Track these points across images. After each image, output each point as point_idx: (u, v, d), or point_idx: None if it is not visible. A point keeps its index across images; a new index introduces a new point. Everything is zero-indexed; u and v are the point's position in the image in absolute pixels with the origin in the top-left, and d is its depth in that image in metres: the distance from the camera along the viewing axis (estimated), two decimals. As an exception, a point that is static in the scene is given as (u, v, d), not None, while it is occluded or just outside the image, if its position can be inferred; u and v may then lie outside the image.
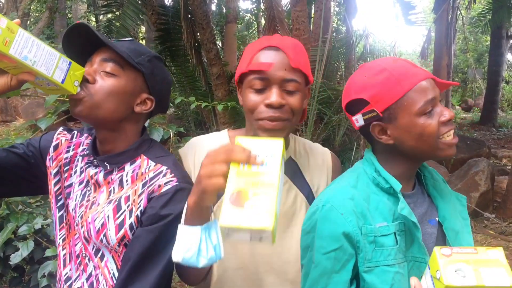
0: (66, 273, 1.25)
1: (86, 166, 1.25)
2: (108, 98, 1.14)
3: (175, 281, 3.39)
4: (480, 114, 14.53)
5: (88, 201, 1.21)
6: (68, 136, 1.34)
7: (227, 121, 5.80)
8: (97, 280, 1.18)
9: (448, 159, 7.21)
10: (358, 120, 1.12)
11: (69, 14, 14.82)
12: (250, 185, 0.80)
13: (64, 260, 1.26)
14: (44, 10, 12.34)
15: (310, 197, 1.31)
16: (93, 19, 15.75)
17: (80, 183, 1.25)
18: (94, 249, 1.19)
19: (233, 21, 11.78)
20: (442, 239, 1.15)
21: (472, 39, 20.29)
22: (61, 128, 1.37)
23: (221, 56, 6.92)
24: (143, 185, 1.16)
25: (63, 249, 1.27)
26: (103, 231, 1.14)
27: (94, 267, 1.19)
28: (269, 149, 0.85)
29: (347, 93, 1.15)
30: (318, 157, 1.39)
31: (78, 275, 1.22)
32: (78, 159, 1.29)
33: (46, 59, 1.03)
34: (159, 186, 1.14)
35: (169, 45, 7.31)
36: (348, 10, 9.47)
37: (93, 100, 1.13)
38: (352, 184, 1.12)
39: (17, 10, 11.73)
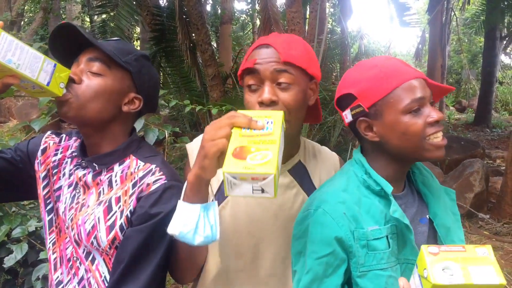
0: (57, 277, 1.23)
1: (75, 168, 1.23)
2: (95, 98, 1.13)
3: (170, 283, 3.37)
4: (474, 114, 14.59)
5: (77, 203, 1.20)
6: (56, 139, 1.33)
7: (222, 122, 5.77)
8: (89, 283, 1.17)
9: (443, 160, 7.24)
10: (347, 115, 1.13)
11: (63, 15, 14.74)
12: (252, 143, 0.86)
13: (55, 264, 1.24)
14: (38, 10, 12.27)
15: None
16: (88, 19, 15.68)
17: (69, 186, 1.24)
18: (85, 252, 1.18)
19: (228, 22, 11.77)
20: (433, 236, 1.14)
21: (466, 40, 20.38)
22: (49, 132, 1.36)
23: (216, 57, 6.90)
24: (133, 185, 1.15)
25: (53, 253, 1.25)
26: (94, 233, 1.13)
27: (86, 270, 1.17)
28: (269, 117, 0.92)
29: (338, 88, 1.16)
30: (327, 162, 1.36)
31: (70, 279, 1.20)
32: (66, 161, 1.27)
33: (30, 62, 1.02)
34: (148, 185, 1.13)
35: (164, 46, 7.29)
36: (343, 11, 9.49)
37: (80, 101, 1.11)
38: (343, 187, 1.10)
39: (11, 10, 11.64)
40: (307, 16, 7.96)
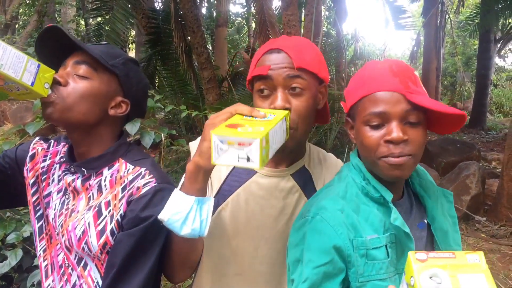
0: (49, 284, 1.22)
1: (64, 173, 1.22)
2: (81, 101, 1.12)
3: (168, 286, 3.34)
4: (469, 117, 14.66)
5: (67, 209, 1.18)
6: (45, 145, 1.31)
7: (218, 125, 5.75)
8: None
9: (439, 163, 7.25)
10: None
11: (58, 18, 14.68)
12: (249, 123, 0.89)
13: (46, 271, 1.23)
14: (32, 13, 12.23)
15: None
16: (83, 23, 15.63)
17: (59, 192, 1.23)
18: (77, 258, 1.16)
19: (223, 25, 11.76)
20: (431, 241, 1.12)
21: (460, 43, 20.48)
22: (37, 138, 1.34)
23: (212, 60, 6.89)
24: (123, 189, 1.14)
25: (44, 260, 1.24)
26: (84, 238, 1.11)
27: (78, 276, 1.16)
28: (274, 113, 0.98)
29: None
30: (332, 169, 1.34)
31: (62, 286, 1.19)
32: (55, 167, 1.26)
33: (13, 62, 1.00)
34: (138, 188, 1.12)
35: (160, 49, 7.26)
36: (339, 14, 9.52)
37: (65, 103, 1.10)
38: (341, 194, 1.08)
39: (5, 13, 11.60)
40: (303, 19, 7.96)
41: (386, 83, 1.00)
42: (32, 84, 1.04)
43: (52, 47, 1.16)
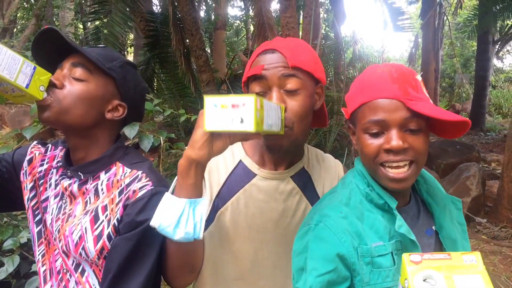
0: None
1: (61, 178, 1.21)
2: (77, 104, 1.10)
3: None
4: (468, 118, 14.60)
5: (64, 214, 1.17)
6: (42, 149, 1.30)
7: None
8: None
9: (438, 164, 7.24)
10: None
11: (56, 22, 14.68)
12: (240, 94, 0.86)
13: (45, 277, 1.21)
14: (30, 17, 12.21)
15: None
16: (81, 26, 15.63)
17: (56, 196, 1.21)
18: (74, 263, 1.14)
19: (222, 27, 11.77)
20: (440, 249, 1.10)
21: (458, 45, 20.52)
22: (35, 142, 1.33)
23: (211, 63, 6.88)
24: (120, 193, 1.12)
25: (42, 265, 1.22)
26: (81, 243, 1.10)
27: (76, 282, 1.14)
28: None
29: None
30: (331, 169, 1.33)
31: None
32: (52, 171, 1.25)
33: (8, 64, 0.99)
34: (134, 191, 1.10)
35: (158, 52, 7.26)
36: (337, 16, 9.52)
37: (61, 106, 1.09)
38: (345, 201, 1.05)
39: (3, 17, 11.58)
40: (301, 22, 7.96)
41: (385, 90, 0.98)
42: (27, 86, 1.03)
43: (49, 50, 1.15)
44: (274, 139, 1.12)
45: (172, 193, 0.98)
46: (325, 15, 12.70)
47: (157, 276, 1.13)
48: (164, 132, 2.39)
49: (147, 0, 7.89)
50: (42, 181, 1.24)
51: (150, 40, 7.17)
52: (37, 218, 1.24)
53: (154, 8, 9.03)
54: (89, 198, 1.15)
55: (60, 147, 1.29)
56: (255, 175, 1.20)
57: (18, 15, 14.18)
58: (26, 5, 12.71)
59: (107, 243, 1.08)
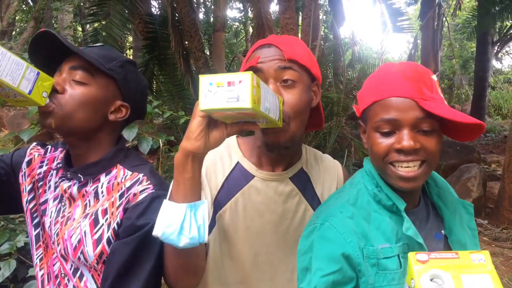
0: None
1: (60, 180, 1.18)
2: (79, 108, 1.08)
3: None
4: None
5: (63, 217, 1.14)
6: (42, 151, 1.27)
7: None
8: None
9: (438, 165, 7.21)
10: None
11: (55, 24, 14.66)
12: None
13: (42, 281, 1.19)
14: (29, 20, 12.19)
15: None
16: (80, 29, 15.61)
17: (55, 199, 1.18)
18: (73, 268, 1.11)
19: (221, 29, 11.75)
20: None
21: (457, 46, 20.53)
22: (34, 143, 1.30)
23: (210, 65, 6.86)
24: (120, 196, 1.09)
25: (40, 269, 1.19)
26: (80, 247, 1.07)
27: (74, 287, 1.12)
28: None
29: None
30: (330, 170, 1.30)
31: None
32: (52, 173, 1.22)
33: (11, 69, 0.97)
34: (135, 195, 1.07)
35: (157, 54, 7.22)
36: (336, 18, 9.51)
37: (64, 111, 1.07)
38: (352, 201, 1.03)
39: (2, 20, 11.57)
40: (300, 23, 7.95)
41: (398, 88, 0.95)
42: (30, 92, 1.01)
43: (46, 52, 1.12)
44: (271, 133, 1.09)
45: (170, 197, 0.95)
46: (324, 17, 12.70)
47: (157, 282, 1.10)
48: (164, 134, 2.37)
49: (146, 2, 7.87)
50: (41, 183, 1.22)
51: (149, 42, 7.13)
52: (35, 221, 1.21)
53: (153, 10, 9.01)
54: (89, 201, 1.12)
55: (60, 149, 1.27)
56: (253, 176, 1.18)
57: (16, 17, 14.17)
58: (24, 8, 12.71)
59: (106, 247, 1.06)
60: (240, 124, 0.91)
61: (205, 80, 0.79)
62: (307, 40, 6.05)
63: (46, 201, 1.20)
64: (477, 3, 12.05)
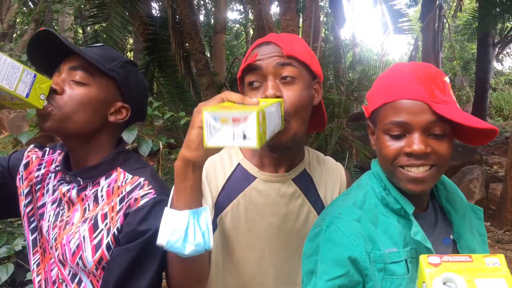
0: None
1: (59, 183, 1.15)
2: (79, 109, 1.05)
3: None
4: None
5: (61, 221, 1.11)
6: (40, 153, 1.24)
7: (217, 132, 5.70)
8: None
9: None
10: None
11: (55, 27, 14.67)
12: (241, 107, 0.81)
13: (40, 287, 1.15)
14: (29, 22, 12.19)
15: None
16: (81, 31, 15.61)
17: (53, 203, 1.15)
18: (71, 273, 1.09)
19: (221, 31, 11.76)
20: None
21: (458, 47, 20.52)
22: (32, 145, 1.27)
23: (211, 66, 6.84)
24: (121, 200, 1.06)
25: (37, 275, 1.16)
26: (79, 253, 1.04)
27: None
28: (266, 101, 0.88)
29: None
30: (333, 172, 1.28)
31: None
32: (50, 176, 1.19)
33: (7, 72, 0.94)
34: (136, 199, 1.04)
35: (158, 56, 7.21)
36: (337, 20, 9.49)
37: (63, 113, 1.04)
38: (359, 204, 1.01)
39: (2, 22, 11.57)
40: (300, 25, 7.93)
41: (410, 90, 0.92)
42: (27, 95, 0.98)
43: (45, 52, 1.09)
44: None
45: (171, 205, 0.93)
46: (325, 19, 12.70)
47: (159, 287, 1.08)
48: (164, 137, 2.35)
49: (146, 3, 7.86)
50: (39, 186, 1.19)
51: (149, 44, 7.12)
52: (32, 225, 1.18)
53: (153, 12, 9.00)
54: (88, 205, 1.10)
55: (58, 151, 1.24)
56: (254, 178, 1.15)
57: (17, 20, 14.18)
58: (25, 10, 12.71)
59: (106, 253, 1.03)
60: None
61: (208, 115, 0.76)
62: (308, 42, 6.03)
63: (44, 205, 1.17)
64: (477, 4, 12.03)
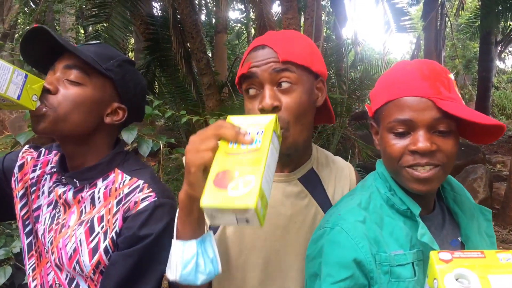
0: None
1: (54, 185, 1.11)
2: (74, 110, 1.01)
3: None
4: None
5: (57, 224, 1.07)
6: (35, 154, 1.20)
7: (219, 132, 5.67)
8: None
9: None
10: None
11: (57, 27, 14.66)
12: (237, 164, 0.74)
13: None
14: (31, 22, 12.18)
15: None
16: (82, 31, 15.60)
17: (49, 205, 1.11)
18: (68, 278, 1.05)
19: (223, 31, 11.72)
20: None
21: (460, 46, 20.47)
22: (26, 146, 1.23)
23: (212, 66, 6.81)
24: (118, 203, 1.02)
25: (33, 280, 1.12)
26: (76, 257, 1.01)
27: None
28: (261, 125, 0.80)
29: None
30: (342, 172, 1.24)
31: None
32: (45, 178, 1.15)
33: None
34: (135, 203, 1.00)
35: (159, 55, 7.19)
36: (338, 19, 9.46)
37: (57, 113, 1.00)
38: (364, 205, 0.98)
39: (3, 22, 11.57)
40: (302, 25, 7.90)
41: (414, 87, 0.90)
42: (19, 97, 0.95)
43: (40, 50, 1.06)
44: None
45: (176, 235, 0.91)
46: (326, 18, 12.67)
47: None
48: (164, 136, 2.32)
49: (147, 3, 7.84)
50: (34, 188, 1.15)
51: (150, 44, 7.10)
52: (27, 229, 1.15)
53: (154, 11, 8.97)
54: (85, 207, 1.06)
55: (54, 151, 1.20)
56: None
57: (18, 20, 14.17)
58: (26, 10, 12.69)
59: (104, 257, 1.00)
60: None
61: (208, 210, 0.73)
62: (309, 41, 6.00)
63: (39, 207, 1.14)
64: (480, 3, 12.00)
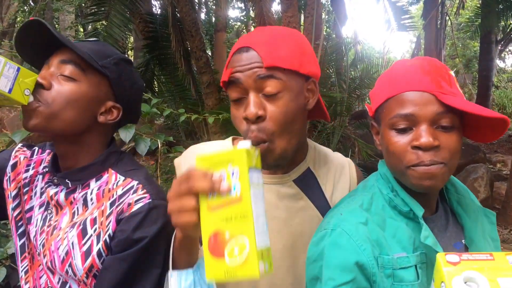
0: None
1: (46, 185, 1.08)
2: (67, 107, 0.97)
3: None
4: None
5: (49, 226, 1.04)
6: (28, 153, 1.16)
7: (218, 131, 5.65)
8: None
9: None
10: None
11: (56, 25, 14.62)
12: (225, 222, 0.72)
13: None
14: (30, 20, 12.15)
15: None
16: (82, 29, 15.57)
17: (41, 206, 1.08)
18: (61, 281, 1.02)
19: (222, 29, 11.70)
20: None
21: (460, 45, 20.45)
22: (20, 145, 1.20)
23: (211, 65, 6.78)
24: (111, 204, 0.99)
25: (26, 283, 1.09)
26: (68, 260, 0.97)
27: None
28: (233, 162, 0.73)
29: None
30: (342, 170, 1.20)
31: None
32: (38, 178, 1.12)
33: None
34: (129, 204, 0.97)
35: (158, 54, 7.16)
36: (338, 17, 9.43)
37: (50, 109, 0.96)
38: (365, 206, 0.95)
39: (2, 20, 11.54)
40: (302, 23, 7.87)
41: (415, 81, 0.87)
42: (10, 91, 0.91)
43: (36, 44, 1.02)
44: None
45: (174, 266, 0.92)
46: (326, 16, 12.65)
47: None
48: (162, 135, 2.29)
49: (146, 1, 7.81)
50: (27, 188, 1.12)
51: (150, 42, 7.08)
52: (20, 230, 1.12)
53: (153, 9, 8.94)
54: (77, 208, 1.03)
55: (47, 151, 1.17)
56: None
57: (17, 18, 14.14)
58: (25, 8, 12.66)
59: (97, 261, 0.97)
60: None
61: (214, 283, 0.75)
62: (310, 39, 5.97)
63: (31, 208, 1.11)
64: (480, 1, 11.98)
